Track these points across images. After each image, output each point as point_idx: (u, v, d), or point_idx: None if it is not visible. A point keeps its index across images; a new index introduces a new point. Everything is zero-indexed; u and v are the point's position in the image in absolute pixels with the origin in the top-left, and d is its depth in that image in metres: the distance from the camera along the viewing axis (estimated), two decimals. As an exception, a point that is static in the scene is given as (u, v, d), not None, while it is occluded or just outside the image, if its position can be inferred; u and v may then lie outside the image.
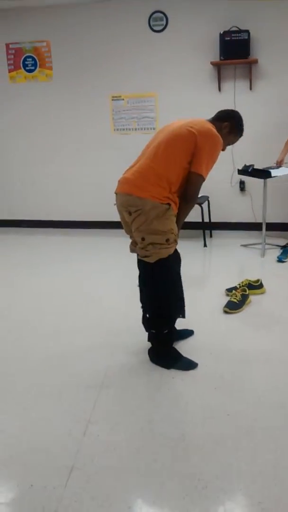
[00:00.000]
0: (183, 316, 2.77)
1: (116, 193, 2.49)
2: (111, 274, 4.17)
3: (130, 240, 2.60)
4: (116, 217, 2.57)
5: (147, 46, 5.19)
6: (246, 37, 4.80)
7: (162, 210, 2.34)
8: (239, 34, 4.81)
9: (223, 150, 2.52)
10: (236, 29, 4.84)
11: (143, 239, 2.39)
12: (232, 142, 2.65)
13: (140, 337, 2.76)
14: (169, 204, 2.37)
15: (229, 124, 2.56)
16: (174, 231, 2.43)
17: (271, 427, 2.09)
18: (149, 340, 2.69)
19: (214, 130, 2.42)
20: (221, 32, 4.84)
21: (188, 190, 2.43)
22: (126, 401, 2.33)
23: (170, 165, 2.36)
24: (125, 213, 2.44)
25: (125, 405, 2.30)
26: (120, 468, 1.88)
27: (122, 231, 2.60)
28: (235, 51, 4.85)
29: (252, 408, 2.23)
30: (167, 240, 2.39)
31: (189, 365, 2.60)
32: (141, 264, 2.52)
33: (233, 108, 2.72)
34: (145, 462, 1.91)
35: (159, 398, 2.36)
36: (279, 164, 4.68)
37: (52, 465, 1.90)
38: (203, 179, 2.42)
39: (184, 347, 2.76)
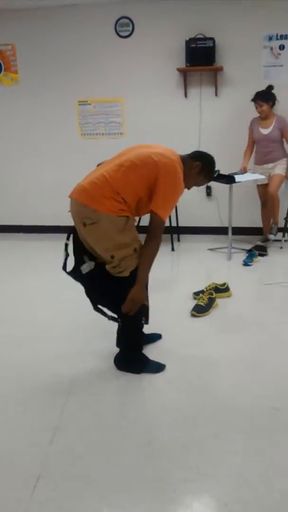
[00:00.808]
0: (146, 322, 2.73)
1: (70, 198, 2.39)
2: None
3: None
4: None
5: (113, 51, 5.20)
6: (211, 45, 4.87)
7: (121, 223, 2.30)
8: (205, 42, 4.88)
9: (188, 188, 2.50)
10: (202, 36, 4.92)
11: (112, 257, 2.32)
12: (199, 183, 2.60)
13: (108, 343, 2.75)
14: (126, 216, 2.32)
15: (201, 165, 2.49)
16: (137, 238, 2.40)
17: (237, 430, 2.11)
18: (117, 345, 2.68)
19: (178, 170, 2.34)
20: (187, 39, 4.91)
21: (149, 229, 2.36)
22: (94, 408, 2.32)
23: (127, 186, 2.29)
24: (79, 224, 2.35)
25: (93, 412, 2.28)
26: (88, 475, 1.86)
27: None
28: (200, 58, 4.92)
29: (219, 411, 2.25)
30: (135, 249, 2.36)
31: (158, 367, 2.61)
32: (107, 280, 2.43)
33: (207, 152, 2.62)
34: (114, 468, 1.90)
35: (127, 403, 2.36)
36: (243, 171, 4.78)
37: (17, 476, 1.86)
38: (161, 220, 2.31)
39: (152, 351, 2.76)
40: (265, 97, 4.62)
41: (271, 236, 4.76)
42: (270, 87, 4.67)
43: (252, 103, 4.67)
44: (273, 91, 4.66)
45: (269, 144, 4.72)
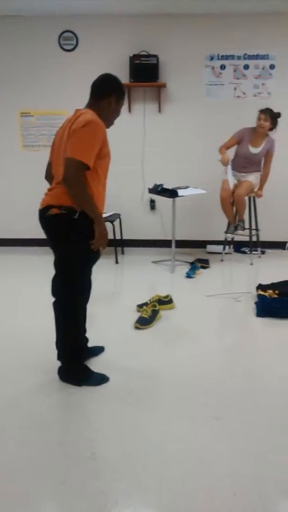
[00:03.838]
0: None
1: None
2: (20, 293, 4.04)
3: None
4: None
5: (57, 64, 5.20)
6: (155, 62, 4.98)
7: None
8: (148, 58, 4.99)
9: (112, 123, 2.55)
10: (146, 53, 5.01)
11: None
12: (119, 111, 2.55)
13: (49, 356, 2.68)
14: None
15: (115, 96, 2.46)
16: None
17: (180, 440, 2.11)
18: (58, 358, 2.62)
19: (90, 118, 2.36)
20: (131, 55, 4.98)
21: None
22: (34, 422, 2.24)
23: None
24: None
25: (33, 427, 2.21)
26: (22, 494, 1.78)
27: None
28: (144, 74, 5.02)
29: (162, 422, 2.24)
30: None
31: (101, 379, 2.58)
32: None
33: (106, 76, 2.58)
34: (52, 485, 1.84)
35: (69, 417, 2.31)
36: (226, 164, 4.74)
37: None
38: (74, 160, 2.27)
39: (95, 364, 2.73)
40: (274, 116, 4.63)
41: (239, 232, 5.02)
42: (278, 115, 4.67)
43: (194, 119, 4.78)
44: (278, 119, 4.68)
45: (252, 162, 4.85)
